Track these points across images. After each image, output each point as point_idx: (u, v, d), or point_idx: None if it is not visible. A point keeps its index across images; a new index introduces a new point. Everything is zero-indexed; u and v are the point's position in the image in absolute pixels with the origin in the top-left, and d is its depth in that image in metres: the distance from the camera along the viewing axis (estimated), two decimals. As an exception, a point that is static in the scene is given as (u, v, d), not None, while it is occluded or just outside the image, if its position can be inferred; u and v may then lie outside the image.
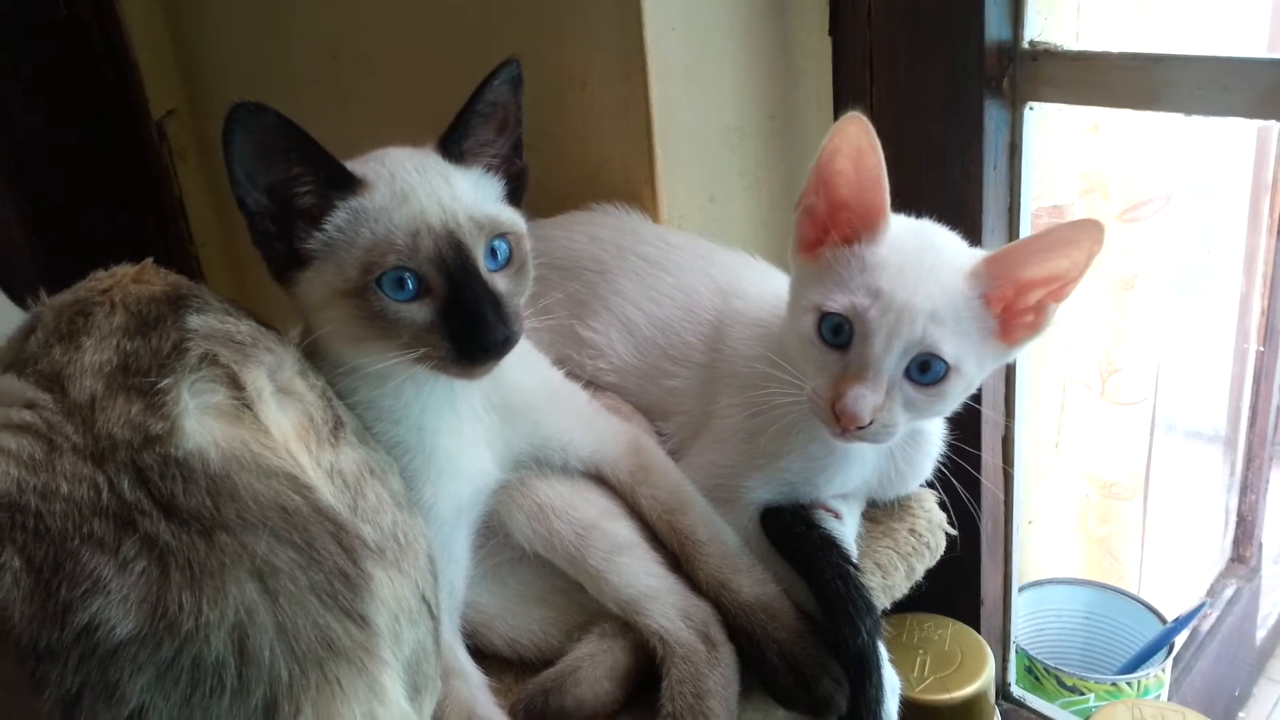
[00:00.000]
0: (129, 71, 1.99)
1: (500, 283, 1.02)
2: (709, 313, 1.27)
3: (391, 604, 0.87)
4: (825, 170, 1.08)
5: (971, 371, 1.07)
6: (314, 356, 1.01)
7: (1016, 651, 1.96)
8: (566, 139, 1.52)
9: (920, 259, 1.06)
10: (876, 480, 1.24)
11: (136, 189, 2.07)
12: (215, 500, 0.82)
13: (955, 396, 1.08)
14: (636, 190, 1.47)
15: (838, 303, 1.05)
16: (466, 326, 0.97)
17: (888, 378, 1.04)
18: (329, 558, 0.84)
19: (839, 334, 1.05)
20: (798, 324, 1.09)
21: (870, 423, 1.03)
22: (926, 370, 1.05)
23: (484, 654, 1.13)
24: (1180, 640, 2.14)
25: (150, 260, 1.00)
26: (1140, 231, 2.13)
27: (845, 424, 1.04)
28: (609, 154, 1.49)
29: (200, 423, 0.85)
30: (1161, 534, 2.43)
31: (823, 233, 1.10)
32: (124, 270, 0.99)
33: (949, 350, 1.04)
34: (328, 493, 0.87)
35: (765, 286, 1.29)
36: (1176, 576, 2.60)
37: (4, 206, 1.96)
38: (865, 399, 1.03)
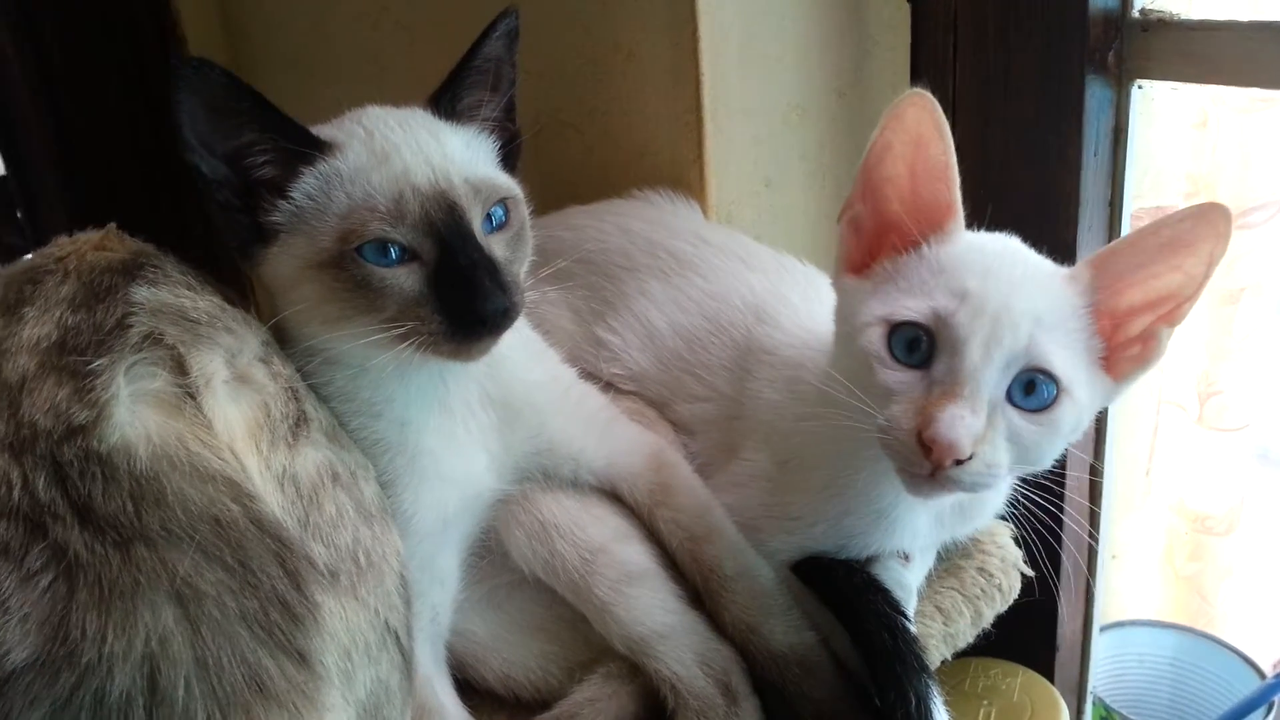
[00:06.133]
0: (174, 43, 1.93)
1: (497, 248, 0.90)
2: (739, 330, 1.11)
3: (343, 638, 0.74)
4: (872, 175, 0.91)
5: (1083, 400, 0.88)
6: (282, 342, 0.89)
7: (1093, 702, 1.78)
8: (610, 115, 1.42)
9: (1010, 259, 0.89)
10: (936, 535, 1.07)
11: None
12: (137, 505, 0.70)
13: (1066, 431, 0.88)
14: (683, 173, 1.36)
15: (913, 309, 0.86)
16: (461, 295, 0.85)
17: (988, 397, 0.84)
18: (266, 581, 0.71)
19: (915, 350, 0.86)
20: (853, 347, 0.90)
21: (970, 456, 0.83)
22: (1032, 392, 0.86)
23: (475, 689, 1.01)
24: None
25: (114, 225, 0.89)
26: (1250, 240, 1.96)
27: (940, 456, 0.82)
28: (655, 131, 1.38)
29: (133, 412, 0.73)
30: (1252, 574, 2.24)
31: (873, 249, 0.93)
32: (86, 236, 0.89)
33: (1060, 364, 0.85)
34: (275, 503, 0.74)
35: (805, 315, 1.11)
36: (1265, 620, 2.39)
37: (40, 159, 1.90)
38: (964, 421, 0.82)
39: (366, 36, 1.66)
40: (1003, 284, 0.86)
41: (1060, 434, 0.88)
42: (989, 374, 0.84)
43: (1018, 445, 0.86)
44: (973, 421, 0.83)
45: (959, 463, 0.83)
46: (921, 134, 0.87)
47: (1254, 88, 1.26)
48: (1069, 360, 0.86)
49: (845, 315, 0.94)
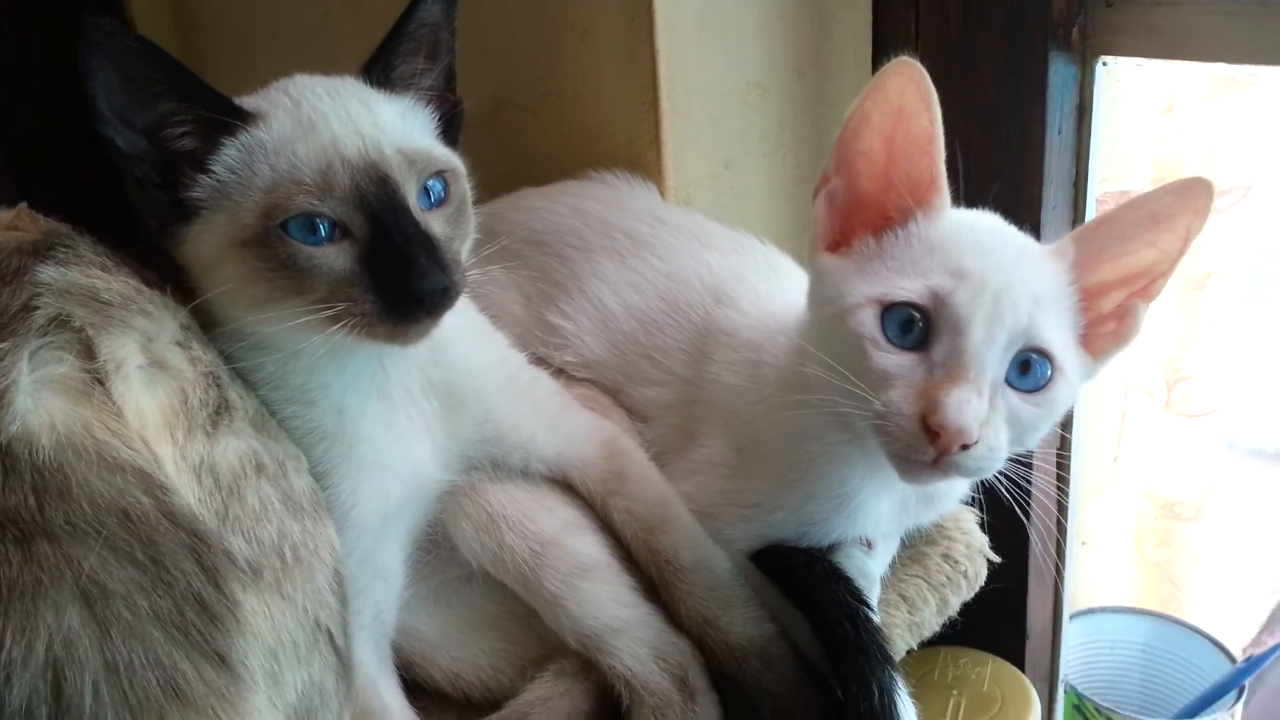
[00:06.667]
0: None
1: (435, 224, 0.85)
2: (697, 312, 1.07)
3: (268, 638, 0.69)
4: (848, 149, 0.87)
5: (1073, 379, 0.86)
6: (208, 326, 0.84)
7: (1065, 689, 1.76)
8: (565, 96, 1.37)
9: (1002, 236, 0.87)
10: (900, 521, 1.04)
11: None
12: (40, 498, 0.65)
13: (1059, 410, 0.86)
14: (640, 154, 1.31)
15: (908, 289, 0.82)
16: (395, 273, 0.80)
17: (990, 380, 0.81)
18: (181, 579, 0.66)
19: (909, 331, 0.83)
20: (841, 330, 0.86)
21: (975, 441, 0.80)
22: (1028, 372, 0.83)
23: (423, 689, 0.97)
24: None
25: (24, 204, 0.84)
26: (1217, 225, 1.95)
27: (947, 442, 0.79)
28: (611, 112, 1.33)
29: (36, 399, 0.68)
30: (1220, 559, 2.25)
31: (848, 226, 0.89)
32: None
33: (1056, 344, 0.83)
34: (191, 495, 0.70)
35: (765, 296, 1.07)
36: (1235, 605, 2.40)
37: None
38: (971, 404, 0.79)
39: (317, 21, 1.60)
40: (1000, 262, 0.83)
41: (1055, 413, 0.86)
42: (992, 355, 0.81)
43: (1015, 427, 0.83)
44: (979, 404, 0.80)
45: (964, 447, 0.79)
46: (904, 105, 0.83)
47: (1220, 62, 1.23)
48: (1061, 339, 0.84)
49: (827, 296, 0.89)
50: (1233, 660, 1.88)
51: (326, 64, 1.64)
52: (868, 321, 0.84)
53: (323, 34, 1.60)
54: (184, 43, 1.86)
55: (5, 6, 1.73)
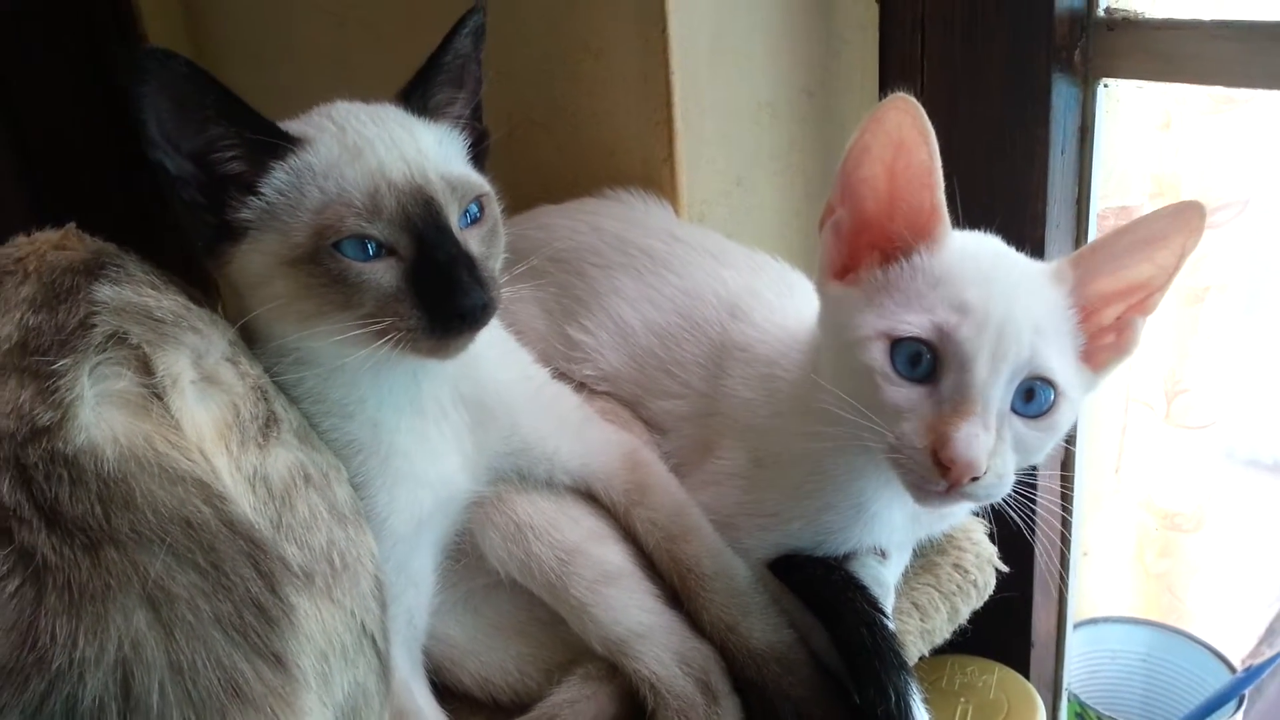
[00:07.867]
0: (134, 39, 1.89)
1: (473, 243, 0.89)
2: (713, 327, 1.10)
3: (319, 640, 0.73)
4: (850, 178, 0.90)
5: (1075, 398, 0.89)
6: (249, 342, 0.88)
7: (1068, 698, 1.78)
8: (580, 115, 1.41)
9: (1004, 264, 0.90)
10: (913, 531, 1.07)
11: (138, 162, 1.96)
12: (106, 508, 0.68)
13: (1063, 429, 0.90)
14: (654, 172, 1.34)
15: (914, 325, 0.85)
16: (439, 291, 0.83)
17: (996, 411, 0.84)
18: (240, 584, 0.70)
19: (918, 364, 0.85)
20: (852, 361, 0.88)
21: (985, 472, 0.83)
22: (1032, 399, 0.86)
23: (452, 693, 0.99)
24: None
25: (73, 224, 0.87)
26: (1214, 240, 1.97)
27: (958, 476, 0.82)
28: (625, 132, 1.37)
29: (98, 413, 0.72)
30: (1220, 569, 2.26)
31: (855, 254, 0.92)
32: (45, 236, 0.86)
33: (1058, 370, 0.86)
34: (247, 504, 0.73)
35: (779, 311, 1.10)
36: (1235, 615, 2.41)
37: None
38: (979, 439, 0.82)
39: (331, 35, 1.64)
40: (1003, 292, 0.85)
41: (1058, 434, 0.89)
42: (997, 387, 0.84)
43: (1021, 450, 0.87)
44: (986, 438, 0.83)
45: (974, 479, 0.83)
46: (903, 138, 0.86)
47: (1219, 85, 1.26)
48: (1063, 363, 0.87)
49: (837, 326, 0.92)
50: (1233, 670, 1.89)
51: (341, 77, 1.67)
52: (878, 355, 0.86)
53: (337, 47, 1.63)
54: (196, 48, 1.87)
55: (19, 17, 1.76)
